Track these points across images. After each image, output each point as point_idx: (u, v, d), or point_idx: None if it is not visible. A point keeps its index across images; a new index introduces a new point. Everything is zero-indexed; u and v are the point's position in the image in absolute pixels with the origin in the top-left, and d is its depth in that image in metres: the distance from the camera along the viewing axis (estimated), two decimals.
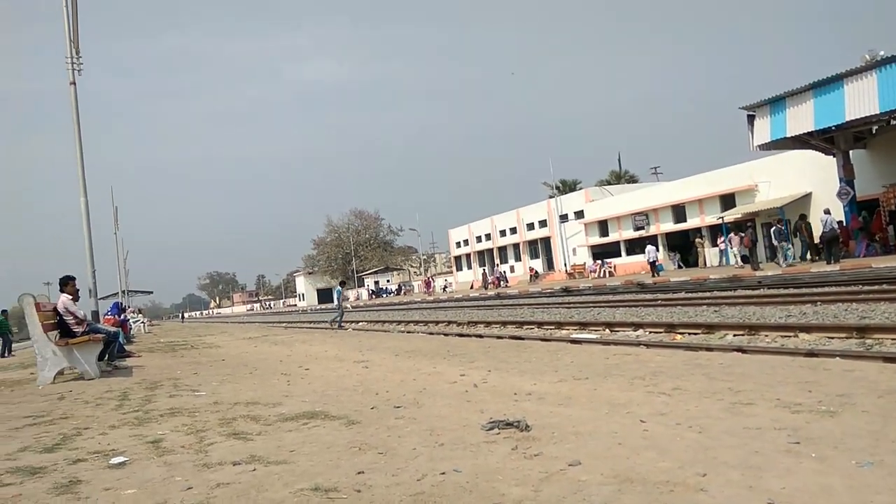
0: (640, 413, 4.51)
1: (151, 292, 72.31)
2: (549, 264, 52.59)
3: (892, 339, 7.67)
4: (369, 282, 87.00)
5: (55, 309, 9.35)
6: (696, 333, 10.35)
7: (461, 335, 14.72)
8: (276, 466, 3.77)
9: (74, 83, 17.56)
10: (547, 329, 13.95)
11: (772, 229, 24.42)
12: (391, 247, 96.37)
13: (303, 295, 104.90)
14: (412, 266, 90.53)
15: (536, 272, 51.50)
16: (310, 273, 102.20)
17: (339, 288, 22.70)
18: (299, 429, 4.84)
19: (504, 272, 52.30)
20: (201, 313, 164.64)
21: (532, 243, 54.73)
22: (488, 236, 60.06)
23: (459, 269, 66.96)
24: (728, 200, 34.67)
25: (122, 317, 20.19)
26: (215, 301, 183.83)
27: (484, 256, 61.82)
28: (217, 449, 4.31)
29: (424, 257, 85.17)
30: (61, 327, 9.20)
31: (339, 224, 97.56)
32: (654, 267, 32.67)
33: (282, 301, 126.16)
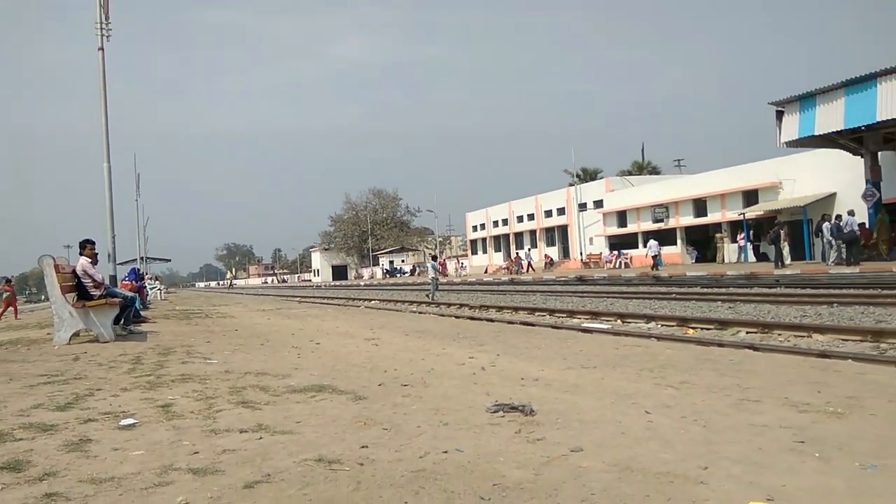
0: (645, 404, 4.51)
1: (169, 260, 73.20)
2: (565, 252, 52.36)
3: None
4: (384, 261, 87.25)
5: (74, 271, 9.50)
6: (708, 329, 10.28)
7: (472, 318, 14.76)
8: (281, 436, 3.82)
9: (103, 49, 17.67)
10: (558, 317, 13.94)
11: (824, 225, 23.28)
12: (408, 227, 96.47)
13: (318, 270, 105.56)
14: (428, 247, 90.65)
15: (551, 259, 51.32)
16: (326, 249, 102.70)
17: (433, 262, 23.75)
18: (307, 401, 4.89)
19: (530, 258, 51.82)
20: (218, 283, 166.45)
21: (549, 231, 54.48)
22: (505, 221, 59.89)
23: (475, 252, 66.92)
24: (751, 196, 34.22)
25: (139, 283, 20.46)
26: (231, 272, 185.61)
27: (500, 241, 61.70)
28: (225, 416, 4.38)
29: (440, 239, 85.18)
30: (79, 290, 9.35)
31: (357, 202, 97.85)
32: (656, 260, 32.66)
33: (297, 276, 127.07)
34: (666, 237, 39.91)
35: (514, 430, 3.88)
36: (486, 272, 56.67)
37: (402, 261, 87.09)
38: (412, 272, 75.41)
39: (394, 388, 5.39)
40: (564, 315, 14.00)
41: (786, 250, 27.29)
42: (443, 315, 16.48)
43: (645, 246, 41.78)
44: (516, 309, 16.34)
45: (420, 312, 17.98)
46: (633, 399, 4.71)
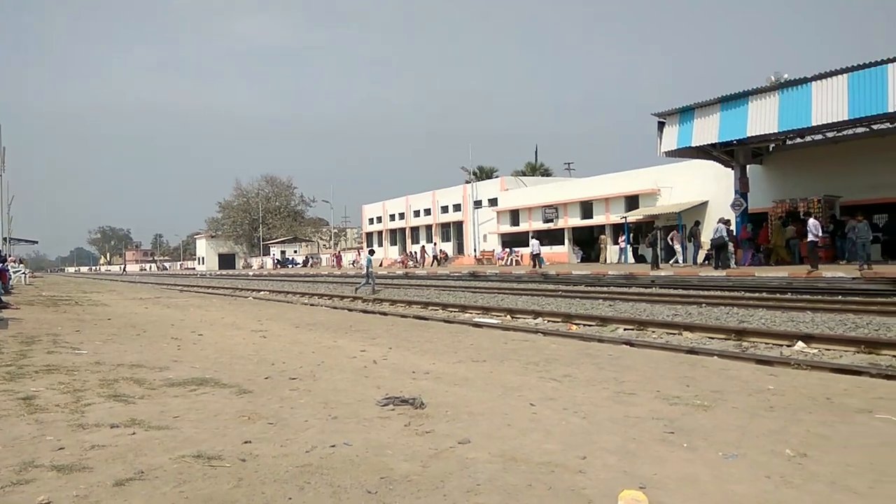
0: (531, 397, 4.65)
1: (36, 242, 67.11)
2: (460, 248, 53.13)
3: (766, 343, 8.29)
4: (275, 251, 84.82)
5: None
6: (590, 325, 10.77)
7: (365, 311, 14.66)
8: (157, 431, 3.62)
9: None
10: (451, 311, 14.12)
11: (723, 227, 24.09)
12: (302, 217, 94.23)
13: (203, 259, 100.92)
14: (322, 239, 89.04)
15: (446, 255, 51.91)
16: (212, 237, 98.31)
17: (369, 256, 23.22)
18: (186, 395, 4.67)
19: (436, 251, 51.93)
20: (90, 269, 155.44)
21: (445, 226, 55.04)
22: (402, 215, 59.89)
23: (370, 245, 66.53)
24: (632, 201, 36.19)
25: (0, 265, 18.71)
26: (105, 257, 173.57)
27: (396, 235, 61.67)
28: (95, 410, 4.09)
29: (335, 231, 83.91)
30: None
31: (248, 188, 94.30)
32: (537, 259, 34.11)
33: (179, 263, 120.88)
34: (555, 237, 41.45)
35: (403, 423, 3.89)
36: (380, 265, 56.50)
37: (295, 251, 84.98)
38: (305, 263, 73.89)
39: (281, 382, 5.25)
40: (457, 309, 14.20)
41: (680, 253, 28.72)
42: (336, 308, 16.25)
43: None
44: (410, 303, 16.39)
45: (312, 305, 17.64)
46: (520, 392, 4.85)
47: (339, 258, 62.37)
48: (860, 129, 22.53)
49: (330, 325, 10.29)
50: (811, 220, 20.42)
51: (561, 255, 40.78)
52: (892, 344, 7.37)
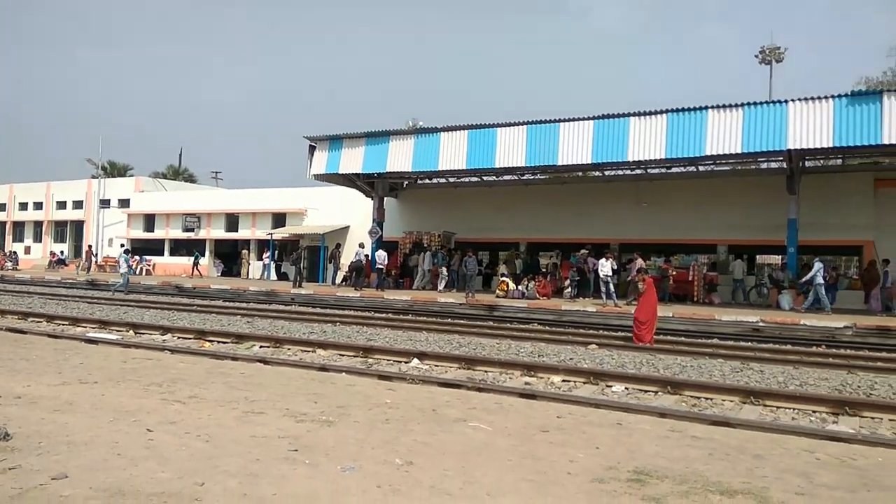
0: (148, 421, 4.26)
1: None
2: (78, 251, 46.43)
3: (388, 360, 9.09)
4: None
5: None
6: (225, 342, 10.41)
7: None
8: None
9: None
10: (59, 324, 12.19)
11: (359, 253, 23.97)
12: None
13: None
14: None
15: (60, 258, 44.84)
16: None
17: (125, 255, 21.67)
18: None
19: (14, 253, 44.12)
20: None
21: (60, 224, 47.56)
22: (3, 206, 49.90)
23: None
24: (280, 219, 36.45)
25: None
26: None
27: None
28: None
29: None
30: None
31: None
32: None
33: None
34: (196, 248, 39.27)
35: None
36: None
37: None
38: None
39: None
40: (67, 322, 12.32)
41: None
42: None
43: (171, 254, 40.44)
44: (2, 312, 13.67)
45: None
46: (136, 416, 4.40)
47: None
48: (474, 178, 26.66)
49: None
50: (380, 251, 24.07)
51: (201, 268, 38.82)
52: (485, 361, 8.77)
